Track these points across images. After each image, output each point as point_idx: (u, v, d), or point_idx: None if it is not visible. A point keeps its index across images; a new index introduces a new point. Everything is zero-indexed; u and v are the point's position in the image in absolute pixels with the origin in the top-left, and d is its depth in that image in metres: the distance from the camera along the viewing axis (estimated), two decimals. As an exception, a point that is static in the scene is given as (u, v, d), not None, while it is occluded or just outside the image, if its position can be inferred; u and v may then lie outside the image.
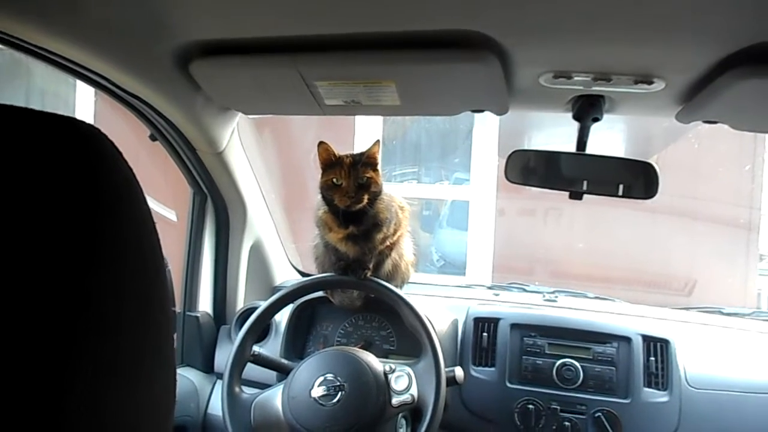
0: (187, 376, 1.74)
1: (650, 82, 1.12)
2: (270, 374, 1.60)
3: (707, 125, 1.28)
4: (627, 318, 1.68)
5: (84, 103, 4.45)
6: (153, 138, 1.51)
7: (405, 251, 1.64)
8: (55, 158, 0.39)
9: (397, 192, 1.61)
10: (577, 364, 1.53)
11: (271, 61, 1.15)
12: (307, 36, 1.06)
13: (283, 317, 1.71)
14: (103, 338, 0.40)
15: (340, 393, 1.34)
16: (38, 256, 0.37)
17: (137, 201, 0.44)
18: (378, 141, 1.47)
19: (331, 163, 1.44)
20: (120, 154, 0.44)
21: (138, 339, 0.44)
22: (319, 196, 1.51)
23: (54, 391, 0.36)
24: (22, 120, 0.39)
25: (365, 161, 1.43)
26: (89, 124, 0.42)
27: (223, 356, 1.70)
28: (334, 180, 1.42)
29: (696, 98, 1.15)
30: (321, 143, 1.44)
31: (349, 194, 1.41)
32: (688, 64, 1.05)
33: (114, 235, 0.41)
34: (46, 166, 0.38)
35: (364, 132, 4.34)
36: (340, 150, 1.46)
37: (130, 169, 0.44)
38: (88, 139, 0.42)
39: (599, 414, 1.48)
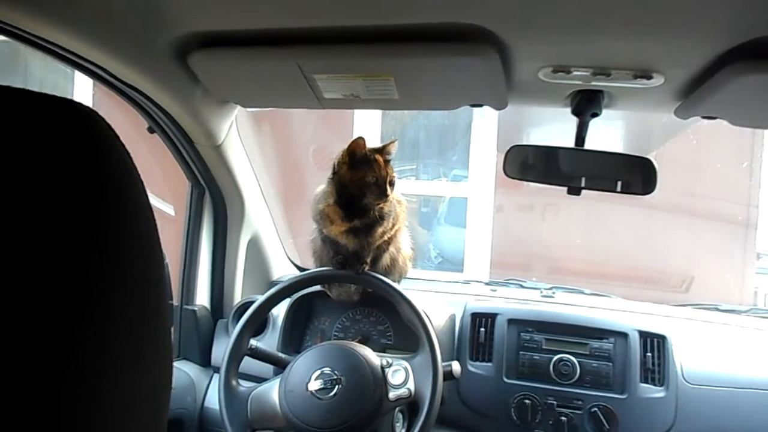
0: (184, 370, 1.74)
1: (649, 77, 1.12)
2: (267, 368, 1.60)
3: (706, 121, 1.28)
4: (624, 314, 1.69)
5: (82, 95, 4.43)
6: (151, 130, 1.51)
7: (403, 246, 1.64)
8: (53, 139, 0.39)
9: (397, 188, 1.61)
10: (573, 359, 1.53)
11: (270, 54, 1.15)
12: (307, 28, 1.06)
13: (280, 311, 1.71)
14: (99, 327, 0.39)
15: (337, 387, 1.34)
16: (34, 241, 0.36)
17: (135, 186, 0.44)
18: (395, 140, 1.49)
19: (363, 159, 1.44)
20: (118, 137, 0.44)
21: (135, 327, 0.43)
22: (320, 189, 1.51)
23: (50, 380, 0.36)
24: (20, 101, 0.39)
25: (387, 159, 1.46)
26: (87, 107, 0.42)
27: (220, 350, 1.70)
28: (370, 177, 1.42)
29: (695, 93, 1.15)
30: (359, 138, 1.43)
31: (386, 192, 1.43)
32: (688, 59, 1.05)
33: (111, 220, 0.41)
34: (44, 146, 0.38)
35: (363, 127, 4.34)
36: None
37: (128, 154, 0.44)
38: (86, 121, 0.41)
39: (596, 409, 1.48)
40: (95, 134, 0.42)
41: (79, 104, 0.42)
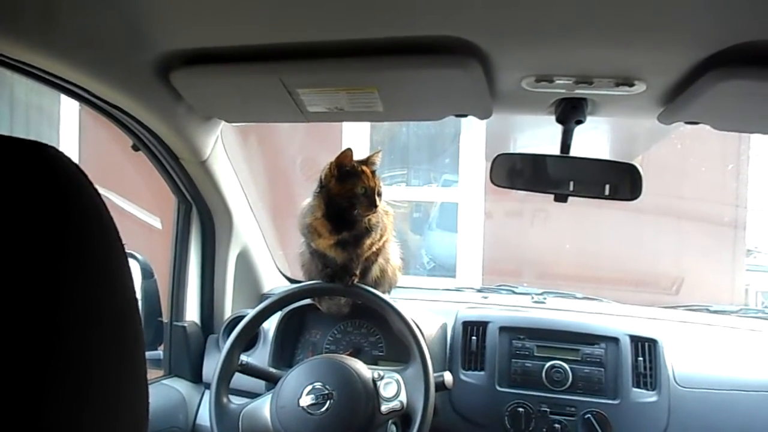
0: (175, 387, 1.73)
1: (631, 85, 1.13)
2: (259, 383, 1.59)
3: (689, 126, 1.29)
4: (615, 318, 1.69)
5: (69, 115, 4.42)
6: (135, 148, 1.50)
7: (391, 256, 1.64)
8: (21, 183, 0.39)
9: (386, 194, 1.61)
10: (566, 366, 1.53)
11: (252, 70, 1.14)
12: (289, 44, 1.06)
13: (271, 325, 1.70)
14: (77, 360, 0.39)
15: (328, 401, 1.33)
16: (6, 280, 0.36)
17: (104, 222, 0.44)
18: (380, 150, 1.50)
19: (350, 171, 1.44)
20: (85, 176, 0.43)
21: (113, 357, 0.43)
22: (306, 202, 1.51)
23: (32, 410, 0.36)
24: None
25: (373, 169, 1.47)
26: (54, 148, 0.42)
27: (211, 366, 1.69)
28: (359, 189, 1.42)
29: (677, 100, 1.16)
30: (347, 150, 1.43)
31: (375, 203, 1.43)
32: (669, 66, 1.05)
33: (81, 258, 0.41)
34: (10, 190, 0.38)
35: (352, 136, 4.34)
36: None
37: (96, 191, 0.44)
38: (53, 163, 0.41)
39: (589, 415, 1.48)
40: (63, 176, 0.42)
41: (50, 148, 0.41)
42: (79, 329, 0.40)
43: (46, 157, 0.41)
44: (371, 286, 1.52)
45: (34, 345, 0.36)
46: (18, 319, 0.36)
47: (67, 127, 4.39)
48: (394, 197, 1.65)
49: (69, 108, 4.37)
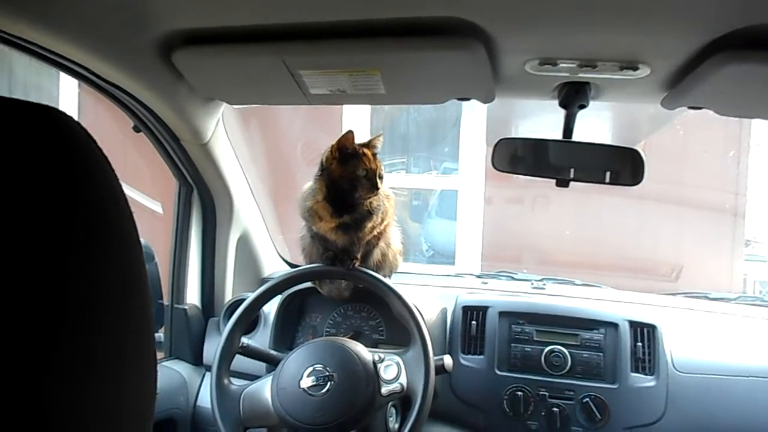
0: (176, 369, 1.74)
1: (635, 69, 1.12)
2: (259, 366, 1.60)
3: (692, 111, 1.29)
4: (614, 304, 1.70)
5: (68, 96, 4.40)
6: (137, 129, 1.49)
7: (392, 240, 1.64)
8: (30, 146, 0.38)
9: (386, 181, 1.61)
10: (565, 350, 1.54)
11: (255, 50, 1.14)
12: (292, 24, 1.06)
13: (271, 308, 1.71)
14: (84, 330, 0.39)
15: (329, 383, 1.34)
16: (14, 249, 0.36)
17: (113, 188, 0.44)
18: (381, 134, 1.49)
19: (352, 154, 1.44)
20: (94, 141, 0.43)
21: (119, 330, 0.43)
22: (307, 186, 1.51)
23: (36, 387, 0.36)
24: None
25: (374, 152, 1.46)
26: (66, 113, 0.42)
27: (212, 348, 1.69)
28: (360, 171, 1.42)
29: (681, 84, 1.16)
30: (348, 132, 1.43)
31: (377, 185, 1.43)
32: (673, 50, 1.05)
33: (91, 223, 0.41)
34: (22, 154, 0.38)
35: (352, 121, 4.33)
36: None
37: (105, 157, 0.44)
38: (64, 128, 0.41)
39: (587, 399, 1.49)
40: (74, 141, 0.41)
41: (58, 111, 0.41)
42: (88, 299, 0.40)
43: (54, 118, 0.41)
44: (372, 270, 1.52)
45: (40, 315, 0.36)
46: (26, 287, 0.36)
47: (66, 107, 4.38)
48: (393, 184, 1.64)
49: (68, 88, 4.35)
